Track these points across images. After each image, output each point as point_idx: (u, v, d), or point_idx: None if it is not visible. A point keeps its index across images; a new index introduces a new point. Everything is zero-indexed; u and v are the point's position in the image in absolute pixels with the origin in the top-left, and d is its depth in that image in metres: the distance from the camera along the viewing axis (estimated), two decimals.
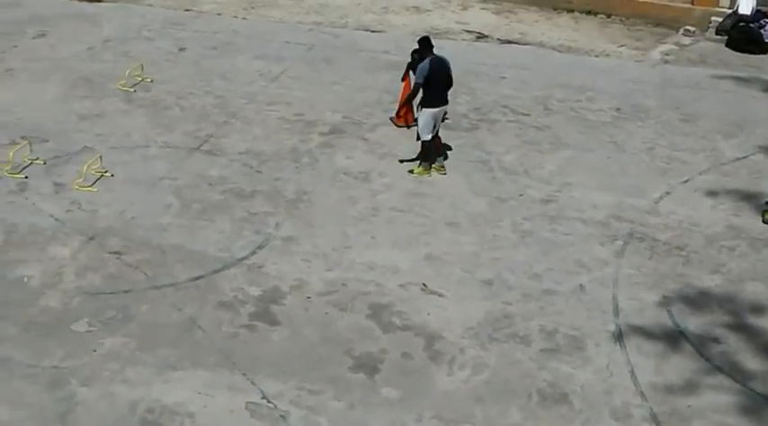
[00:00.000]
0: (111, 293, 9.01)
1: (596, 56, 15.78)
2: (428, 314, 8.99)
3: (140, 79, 13.56)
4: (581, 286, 9.50)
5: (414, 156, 11.55)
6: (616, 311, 9.13)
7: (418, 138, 11.35)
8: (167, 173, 11.20)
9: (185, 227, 10.15)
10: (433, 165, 11.48)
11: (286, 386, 7.97)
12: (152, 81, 13.62)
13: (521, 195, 11.18)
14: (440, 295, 9.29)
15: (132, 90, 13.31)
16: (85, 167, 10.87)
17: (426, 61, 11.03)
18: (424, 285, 9.42)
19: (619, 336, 8.78)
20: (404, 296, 9.23)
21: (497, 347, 8.61)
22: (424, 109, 11.15)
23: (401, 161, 11.60)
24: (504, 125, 12.92)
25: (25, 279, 9.13)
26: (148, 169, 11.27)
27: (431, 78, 10.97)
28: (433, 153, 11.43)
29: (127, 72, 13.47)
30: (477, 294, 9.34)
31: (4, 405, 7.56)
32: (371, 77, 14.29)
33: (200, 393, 7.84)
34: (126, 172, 11.16)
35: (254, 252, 9.77)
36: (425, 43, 11.26)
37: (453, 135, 12.47)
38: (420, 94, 11.15)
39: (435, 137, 11.39)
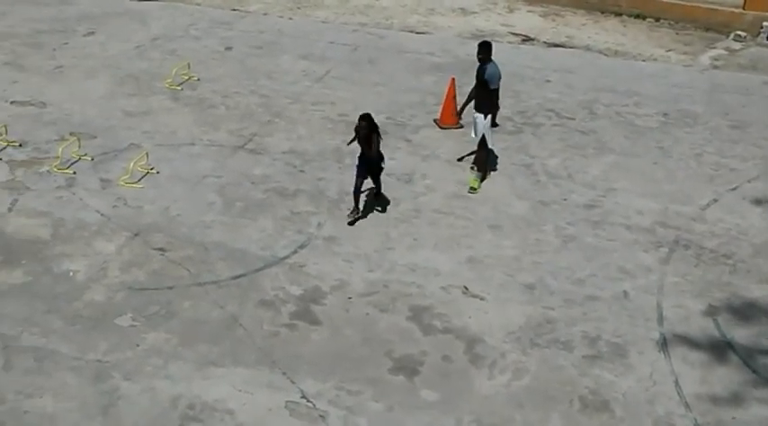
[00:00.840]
0: (154, 289, 9.10)
1: (644, 60, 15.59)
2: (469, 317, 8.95)
3: (187, 77, 13.69)
4: (625, 292, 9.38)
5: (473, 165, 11.27)
6: (660, 319, 9.00)
7: (484, 146, 11.10)
8: (211, 171, 11.28)
9: (228, 225, 10.22)
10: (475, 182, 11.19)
11: (325, 386, 7.98)
12: (198, 79, 13.74)
13: (564, 199, 11.07)
14: (481, 298, 9.24)
15: (179, 88, 13.44)
16: (132, 164, 11.00)
17: (496, 66, 10.85)
18: (466, 288, 9.37)
19: (663, 345, 8.65)
20: (445, 298, 9.20)
21: (539, 352, 8.54)
22: (489, 116, 11.00)
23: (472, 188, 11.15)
24: (548, 129, 12.82)
25: (71, 274, 9.25)
26: (193, 167, 11.37)
27: (476, 72, 11.00)
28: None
29: (174, 70, 13.60)
30: (518, 298, 9.27)
31: (50, 396, 7.66)
32: (415, 79, 14.27)
33: (240, 390, 7.89)
34: (171, 169, 11.27)
35: (295, 252, 9.81)
36: (489, 48, 10.89)
37: (497, 138, 12.36)
38: (479, 100, 10.97)
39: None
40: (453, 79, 12.75)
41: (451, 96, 12.66)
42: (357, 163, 10.39)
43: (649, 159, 12.08)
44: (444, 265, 9.70)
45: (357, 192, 10.32)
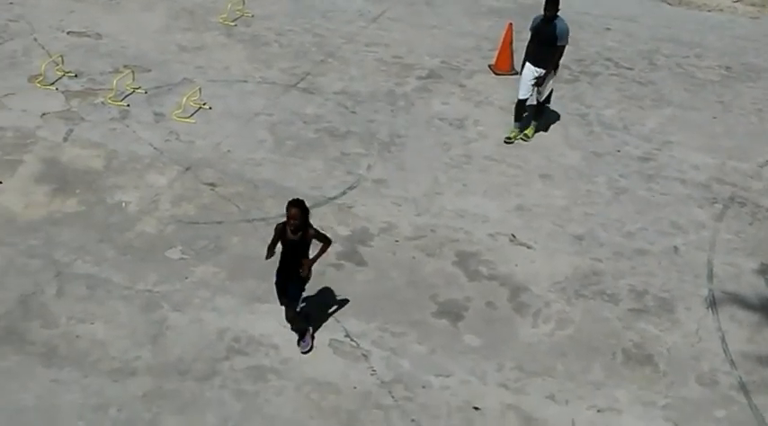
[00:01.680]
0: (204, 223, 9.20)
1: (708, 10, 15.13)
2: (516, 265, 8.91)
3: (241, 14, 13.63)
4: (675, 248, 9.26)
5: (529, 123, 11.03)
6: (710, 276, 8.88)
7: (547, 102, 10.89)
8: (263, 109, 11.29)
9: (278, 163, 10.25)
10: (522, 133, 10.95)
11: (369, 327, 8.05)
12: (252, 16, 13.68)
13: (618, 151, 10.90)
14: (528, 247, 9.19)
15: (233, 24, 13.39)
16: (185, 99, 11.04)
17: (564, 22, 10.34)
18: (513, 236, 9.32)
19: (711, 302, 8.55)
20: (492, 245, 9.16)
21: (584, 303, 8.49)
22: (554, 72, 10.64)
23: (525, 135, 10.92)
24: (605, 78, 12.57)
25: (123, 205, 9.39)
26: (245, 103, 11.38)
27: (533, 32, 10.58)
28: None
29: (228, 5, 13.54)
30: (566, 248, 9.20)
31: (101, 323, 7.84)
32: (472, 23, 14.04)
33: (284, 326, 7.97)
34: (223, 105, 11.30)
35: (344, 193, 9.82)
36: (558, 2, 10.23)
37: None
38: (544, 56, 10.42)
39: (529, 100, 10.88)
40: (511, 24, 12.52)
41: (508, 42, 12.45)
42: (276, 279, 7.50)
43: (708, 113, 11.80)
44: (493, 212, 9.65)
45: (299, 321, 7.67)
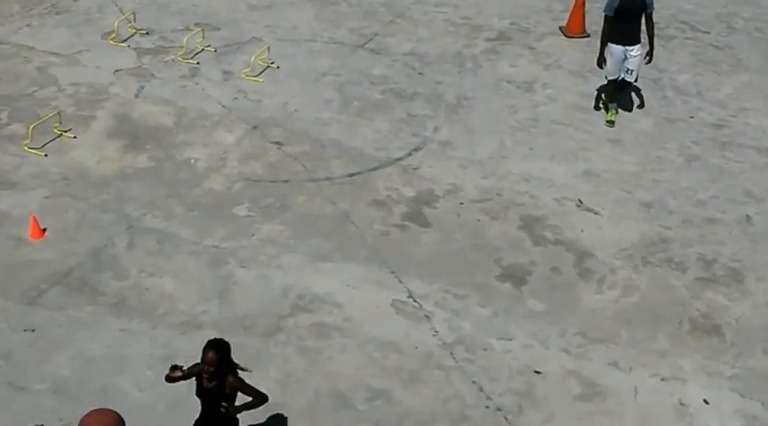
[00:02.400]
0: (270, 181, 9.29)
1: None
2: (581, 230, 8.81)
3: None
4: (747, 216, 9.04)
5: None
6: None
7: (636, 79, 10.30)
8: (330, 69, 11.29)
9: (344, 124, 10.27)
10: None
11: (432, 288, 8.06)
12: None
13: (691, 117, 10.63)
14: (595, 212, 9.07)
15: None
16: (253, 57, 11.10)
17: None
18: (580, 201, 9.21)
19: None
20: (558, 210, 9.07)
21: (650, 271, 8.37)
22: (611, 44, 10.02)
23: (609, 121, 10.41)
24: (680, 42, 12.23)
25: (192, 162, 9.53)
26: (313, 63, 11.40)
27: (619, 10, 9.84)
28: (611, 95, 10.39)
29: None
30: (634, 215, 9.05)
31: (170, 277, 8.02)
32: None
33: (348, 285, 8.05)
34: (291, 64, 11.33)
35: (410, 154, 9.80)
36: None
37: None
38: (635, 31, 9.96)
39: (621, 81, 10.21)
40: None
41: (580, 3, 12.18)
42: None
43: None
44: (559, 177, 9.53)
45: None
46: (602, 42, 10.09)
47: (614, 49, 10.05)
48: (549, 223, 8.89)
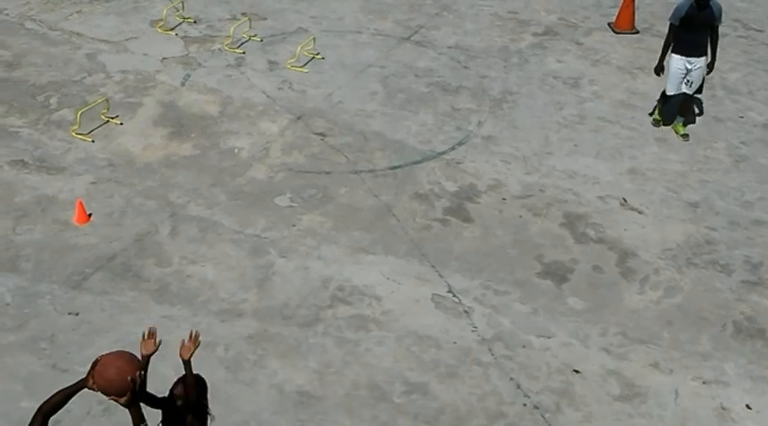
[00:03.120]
0: (313, 172, 9.31)
1: None
2: (625, 229, 8.71)
3: None
4: None
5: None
6: None
7: (699, 92, 9.93)
8: (375, 61, 11.28)
9: (388, 116, 10.25)
10: (674, 124, 10.13)
11: (472, 283, 8.03)
12: None
13: (741, 117, 10.45)
14: (639, 211, 8.96)
15: None
16: (299, 48, 11.13)
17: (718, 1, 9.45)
18: (624, 200, 9.10)
19: None
20: (601, 208, 8.97)
21: (695, 272, 8.25)
22: (673, 54, 9.70)
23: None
24: (732, 40, 12.01)
25: (236, 151, 9.59)
26: (358, 55, 11.40)
27: (686, 19, 9.48)
28: (672, 109, 10.03)
29: None
30: (679, 215, 8.92)
31: (211, 265, 8.08)
32: None
33: (388, 278, 8.05)
34: (336, 56, 11.34)
35: (453, 148, 9.76)
36: None
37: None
38: (701, 43, 9.62)
39: (680, 95, 9.86)
40: None
41: (630, 0, 12.02)
42: None
43: None
44: (604, 174, 9.43)
45: None
46: (663, 51, 9.74)
47: (675, 60, 9.68)
48: (592, 221, 8.80)
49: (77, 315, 7.51)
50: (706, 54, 9.67)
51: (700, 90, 9.92)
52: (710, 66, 9.81)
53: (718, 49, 9.76)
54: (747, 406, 7.00)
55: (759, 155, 9.80)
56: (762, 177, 9.47)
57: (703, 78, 9.83)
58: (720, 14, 9.53)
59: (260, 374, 7.10)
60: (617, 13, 12.21)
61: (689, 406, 7.00)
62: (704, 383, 7.19)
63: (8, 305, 7.56)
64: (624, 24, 12.09)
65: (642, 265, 8.32)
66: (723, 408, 6.99)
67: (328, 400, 6.91)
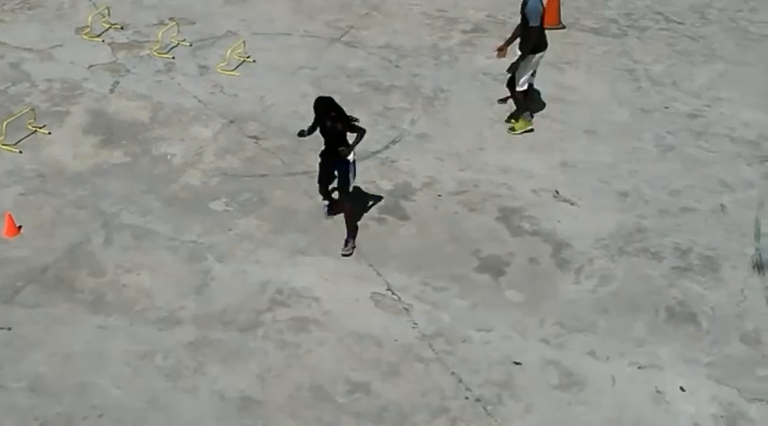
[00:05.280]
0: (247, 176, 9.27)
1: None
2: (558, 221, 8.86)
3: None
4: (722, 206, 9.11)
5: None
6: (758, 235, 8.73)
7: (513, 88, 9.91)
8: (306, 63, 11.26)
9: None
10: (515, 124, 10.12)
11: (411, 281, 8.08)
12: None
13: (666, 107, 10.70)
14: (572, 203, 9.12)
15: None
16: (229, 51, 11.05)
17: (536, 1, 9.43)
18: (557, 192, 9.25)
19: (758, 261, 8.42)
20: (535, 201, 9.11)
21: (627, 260, 8.43)
22: (530, 54, 9.64)
23: (511, 128, 10.14)
24: (654, 32, 12.30)
25: (169, 157, 9.48)
26: (289, 57, 11.36)
27: (543, 17, 9.57)
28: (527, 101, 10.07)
29: None
30: (610, 205, 9.11)
31: (147, 273, 7.98)
32: None
33: (327, 279, 8.05)
34: (267, 58, 11.29)
35: (387, 147, 9.80)
36: None
37: (599, 40, 11.99)
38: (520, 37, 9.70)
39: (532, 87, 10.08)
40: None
41: None
42: (320, 160, 8.42)
43: (762, 69, 11.49)
44: (537, 168, 9.57)
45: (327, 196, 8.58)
46: (532, 52, 9.69)
47: (536, 59, 9.80)
48: (526, 214, 8.93)
49: (10, 329, 7.35)
50: (523, 51, 9.68)
51: (513, 85, 9.94)
52: (520, 61, 9.77)
53: (533, 50, 9.67)
54: (681, 388, 7.18)
55: (685, 145, 10.05)
56: (688, 166, 9.71)
57: (527, 77, 9.87)
58: (532, 14, 9.44)
59: (201, 381, 7.04)
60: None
61: (625, 391, 7.15)
62: (639, 368, 7.36)
63: None
64: (550, 20, 12.22)
65: (576, 255, 8.47)
66: (658, 392, 7.16)
67: (271, 404, 6.89)
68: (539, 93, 10.67)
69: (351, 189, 8.37)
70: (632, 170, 9.63)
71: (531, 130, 10.10)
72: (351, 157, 8.22)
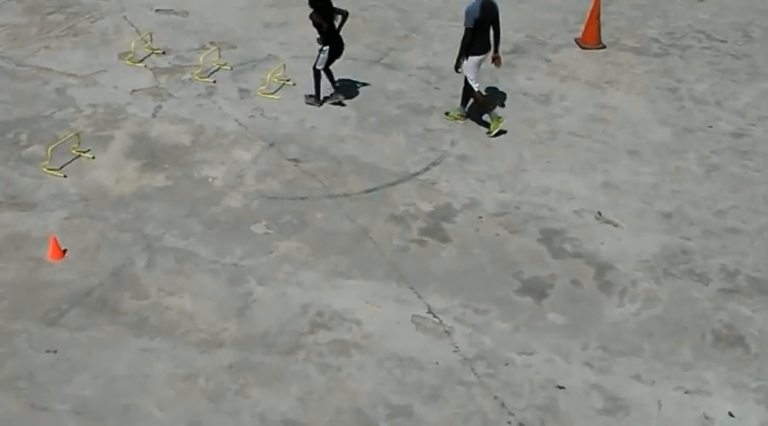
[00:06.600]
0: (288, 198, 9.30)
1: None
2: (601, 243, 8.76)
3: None
4: None
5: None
6: None
7: (472, 91, 10.29)
8: (346, 85, 11.30)
9: (361, 139, 10.27)
10: (451, 112, 10.55)
11: (452, 303, 8.03)
12: None
13: (710, 127, 10.57)
14: (615, 224, 9.01)
15: None
16: (269, 75, 11.14)
17: (477, 2, 9.88)
18: (599, 213, 9.16)
19: None
20: (577, 222, 9.02)
21: (672, 282, 8.30)
22: (471, 56, 10.07)
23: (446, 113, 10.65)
24: (697, 51, 12.18)
25: (210, 180, 9.55)
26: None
27: (481, 22, 9.93)
28: (489, 103, 10.44)
29: None
30: (654, 226, 8.99)
31: (189, 295, 8.02)
32: None
33: (367, 302, 8.03)
34: (307, 81, 11.31)
35: (427, 169, 9.79)
36: None
37: (641, 60, 11.91)
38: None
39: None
40: None
41: (595, 15, 12.18)
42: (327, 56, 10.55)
43: None
44: (578, 189, 9.49)
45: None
46: (469, 54, 10.07)
47: (477, 60, 10.15)
48: (568, 236, 8.84)
49: (55, 352, 7.42)
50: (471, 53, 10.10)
51: (471, 88, 10.32)
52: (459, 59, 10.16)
53: (468, 51, 10.09)
54: (730, 414, 7.03)
55: (729, 164, 9.91)
56: (733, 186, 9.57)
57: (471, 78, 10.23)
58: (467, 17, 9.91)
59: (242, 404, 7.04)
60: (583, 29, 12.34)
61: (672, 417, 7.02)
62: (686, 393, 7.22)
63: None
64: (591, 40, 12.23)
65: (620, 278, 8.36)
66: (706, 417, 7.01)
67: None
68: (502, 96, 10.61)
69: (316, 67, 10.62)
70: (676, 190, 9.50)
71: (504, 132, 10.26)
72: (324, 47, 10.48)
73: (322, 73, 10.65)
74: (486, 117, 10.42)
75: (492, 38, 10.20)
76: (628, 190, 9.49)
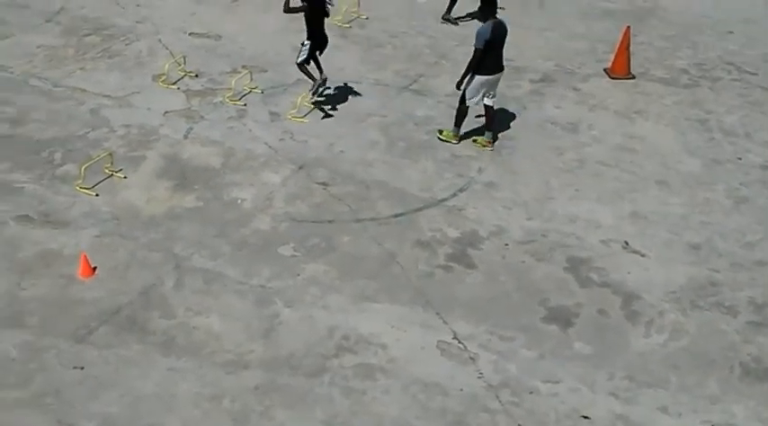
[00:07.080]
0: (315, 222, 9.37)
1: None
2: (628, 272, 8.74)
3: (356, 16, 13.79)
4: None
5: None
6: None
7: (463, 101, 10.49)
8: (376, 110, 11.40)
9: (389, 164, 10.34)
10: (479, 139, 10.65)
11: (478, 330, 8.03)
12: (367, 18, 13.82)
13: (739, 159, 10.54)
14: (642, 254, 8.99)
15: (348, 26, 13.57)
16: (299, 99, 11.25)
17: (488, 24, 10.03)
18: (626, 243, 9.14)
19: None
20: (604, 252, 9.01)
21: (700, 314, 8.26)
22: (477, 75, 10.26)
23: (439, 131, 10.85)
24: (727, 83, 12.17)
25: (239, 202, 9.65)
26: (358, 105, 11.52)
27: (492, 43, 10.08)
28: (463, 118, 10.61)
29: (344, 8, 13.72)
30: (682, 258, 8.96)
31: (216, 316, 8.09)
32: (585, 25, 13.80)
33: (393, 326, 8.05)
34: (336, 106, 11.46)
35: (454, 195, 9.83)
36: (489, 3, 10.13)
37: (670, 91, 11.91)
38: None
39: (488, 107, 10.54)
40: (629, 28, 12.25)
41: (625, 46, 12.19)
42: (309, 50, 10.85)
43: None
44: (606, 218, 9.48)
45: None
46: (476, 73, 10.29)
47: (482, 81, 10.36)
48: (595, 265, 8.83)
49: (83, 369, 7.50)
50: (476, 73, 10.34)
51: (463, 98, 10.56)
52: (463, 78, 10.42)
53: (467, 67, 10.32)
54: None
55: (758, 197, 9.87)
56: (762, 218, 9.52)
57: (472, 97, 10.49)
58: (477, 37, 10.11)
59: (267, 425, 7.07)
60: (612, 59, 12.37)
61: None
62: None
63: (13, 360, 7.56)
64: (620, 70, 12.25)
65: (647, 308, 8.33)
66: None
67: None
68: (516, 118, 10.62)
69: (298, 61, 10.95)
70: (704, 222, 9.47)
71: (455, 143, 10.62)
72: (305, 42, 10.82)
73: (304, 64, 10.95)
74: (452, 126, 10.64)
75: (503, 59, 10.41)
76: (656, 221, 9.47)
